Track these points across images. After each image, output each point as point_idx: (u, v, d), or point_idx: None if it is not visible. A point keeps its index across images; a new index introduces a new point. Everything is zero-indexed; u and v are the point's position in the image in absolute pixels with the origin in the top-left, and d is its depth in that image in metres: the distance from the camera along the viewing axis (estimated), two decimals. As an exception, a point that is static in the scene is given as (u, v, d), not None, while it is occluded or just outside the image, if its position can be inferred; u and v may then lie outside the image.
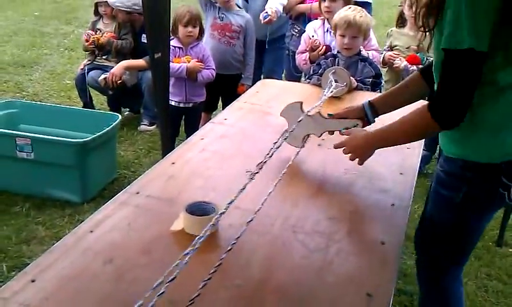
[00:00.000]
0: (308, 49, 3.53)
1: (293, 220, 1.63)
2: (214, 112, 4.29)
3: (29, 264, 2.69)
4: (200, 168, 1.96)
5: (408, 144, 2.19)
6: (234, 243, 1.35)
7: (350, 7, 3.25)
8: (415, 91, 1.89)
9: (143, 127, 4.55)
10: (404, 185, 1.87)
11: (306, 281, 1.37)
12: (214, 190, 1.79)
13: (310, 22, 3.77)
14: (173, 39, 3.51)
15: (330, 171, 1.97)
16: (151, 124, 4.60)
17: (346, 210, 1.71)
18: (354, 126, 1.88)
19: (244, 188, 1.51)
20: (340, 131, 1.91)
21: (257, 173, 1.59)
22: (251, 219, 1.47)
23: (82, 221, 3.12)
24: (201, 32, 3.73)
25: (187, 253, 1.20)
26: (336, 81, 2.73)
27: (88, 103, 4.71)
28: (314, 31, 3.61)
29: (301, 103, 1.99)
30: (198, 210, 1.56)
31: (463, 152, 1.59)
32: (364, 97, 2.78)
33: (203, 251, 1.36)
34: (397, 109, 1.91)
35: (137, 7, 4.42)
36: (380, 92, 3.12)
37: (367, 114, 1.91)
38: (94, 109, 4.73)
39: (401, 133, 1.68)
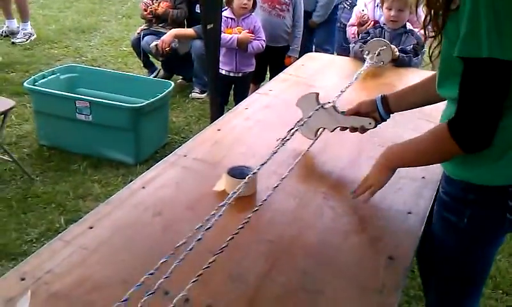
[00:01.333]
0: (357, 23, 3.59)
1: (325, 188, 1.75)
2: (262, 83, 4.42)
3: (85, 218, 2.94)
4: (243, 135, 2.10)
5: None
6: (261, 204, 1.50)
7: None
8: (433, 92, 1.62)
9: (194, 94, 4.73)
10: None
11: (332, 242, 1.49)
12: (253, 157, 1.92)
13: None
14: (226, 9, 3.63)
15: (365, 145, 2.07)
16: (202, 92, 4.78)
17: (377, 180, 1.81)
18: (369, 125, 1.79)
19: (275, 152, 1.68)
20: (350, 129, 1.85)
21: (288, 139, 1.75)
22: (277, 184, 1.65)
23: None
24: (254, 4, 3.83)
25: (222, 205, 1.35)
26: (378, 55, 2.82)
27: (146, 61, 4.96)
28: (365, 5, 3.66)
29: (317, 94, 1.93)
30: (239, 173, 1.70)
31: (466, 174, 1.41)
32: (404, 72, 2.89)
33: (240, 210, 1.52)
34: (412, 108, 1.80)
35: None
36: (420, 59, 3.21)
37: (378, 110, 1.77)
38: (154, 67, 4.95)
39: (418, 155, 1.51)
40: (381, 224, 1.59)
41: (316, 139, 1.96)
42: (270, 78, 4.44)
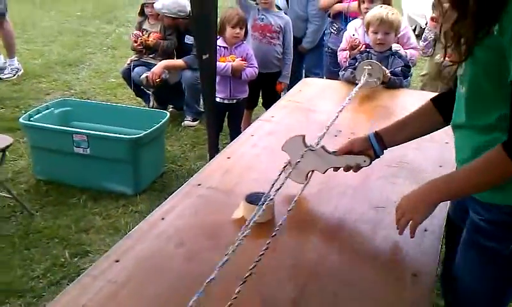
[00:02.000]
0: (348, 47, 3.67)
1: (341, 210, 1.80)
2: (255, 109, 4.50)
3: (89, 251, 2.96)
4: (253, 162, 2.14)
5: (445, 137, 2.36)
6: (277, 229, 1.52)
7: (381, 6, 3.44)
8: (427, 122, 1.70)
9: (186, 123, 4.77)
10: (443, 177, 2.00)
11: (355, 263, 1.53)
12: (266, 182, 1.94)
13: (351, 21, 3.91)
14: (218, 39, 3.69)
15: (373, 165, 2.12)
16: (194, 120, 4.83)
17: (391, 200, 1.85)
18: (363, 163, 1.72)
19: (287, 177, 1.75)
20: (344, 168, 1.75)
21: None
22: (290, 208, 1.65)
23: (136, 212, 3.40)
24: (246, 33, 3.90)
25: (243, 232, 1.39)
26: (369, 74, 2.89)
27: (138, 91, 5.01)
28: (355, 29, 3.75)
29: (303, 136, 1.81)
30: (256, 199, 1.72)
31: (509, 198, 1.37)
32: (396, 93, 2.96)
33: (260, 236, 1.53)
34: (407, 140, 1.75)
35: (182, 14, 4.66)
36: (409, 81, 3.32)
37: (373, 146, 1.71)
38: (146, 95, 5.00)
39: (468, 182, 1.40)
40: (400, 244, 1.63)
41: (307, 183, 1.84)
42: (263, 104, 4.52)
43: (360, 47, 3.59)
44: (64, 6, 9.83)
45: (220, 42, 3.74)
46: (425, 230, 1.68)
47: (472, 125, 1.41)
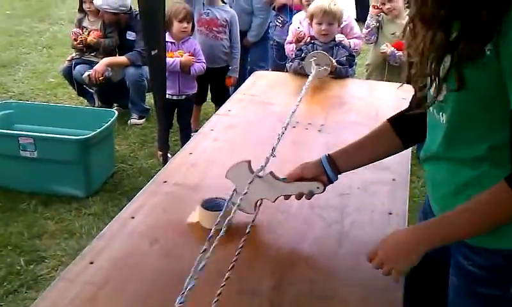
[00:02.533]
0: (294, 40, 3.74)
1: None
2: (203, 104, 4.50)
3: (45, 257, 2.89)
4: (216, 156, 2.15)
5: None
6: (248, 231, 1.53)
7: None
8: (384, 145, 1.56)
9: (133, 121, 4.71)
10: (400, 163, 2.09)
11: (328, 250, 1.58)
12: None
13: (296, 14, 3.97)
14: (165, 34, 3.65)
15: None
16: (140, 117, 4.77)
17: (353, 186, 1.92)
18: (316, 189, 1.56)
19: (251, 182, 1.61)
20: (295, 196, 1.59)
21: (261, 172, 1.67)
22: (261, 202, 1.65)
23: (90, 214, 3.34)
24: (193, 27, 3.89)
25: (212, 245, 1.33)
26: (318, 64, 2.95)
27: (81, 90, 4.89)
28: (300, 22, 3.82)
29: (249, 162, 1.61)
30: (214, 205, 1.69)
31: (508, 241, 1.22)
32: (345, 83, 3.03)
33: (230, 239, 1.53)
34: (363, 164, 1.61)
35: (123, 8, 4.58)
36: (354, 69, 3.40)
37: (326, 172, 1.54)
38: (89, 93, 4.89)
39: (470, 227, 1.22)
40: (367, 227, 1.69)
41: (257, 213, 1.65)
42: (212, 99, 4.52)
43: (305, 39, 3.66)
44: (-8, 5, 9.43)
45: (167, 37, 3.71)
46: (390, 213, 1.75)
47: (453, 157, 1.26)
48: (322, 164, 1.55)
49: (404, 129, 1.51)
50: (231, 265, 1.36)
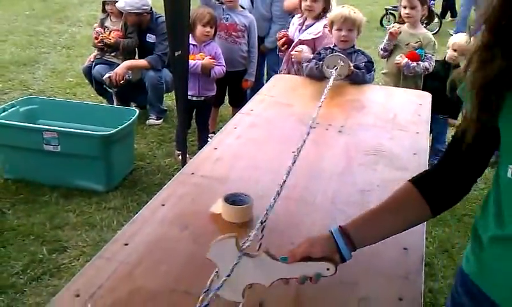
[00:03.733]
0: (276, 38, 3.92)
1: (330, 193, 1.92)
2: (221, 106, 4.59)
3: (67, 247, 2.98)
4: (241, 152, 2.24)
5: (416, 128, 2.54)
6: (266, 214, 1.60)
7: (343, 6, 3.61)
8: (409, 212, 1.26)
9: (151, 121, 4.80)
10: (419, 163, 2.17)
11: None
12: (256, 169, 2.08)
13: (297, 15, 4.02)
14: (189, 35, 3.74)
15: (353, 153, 2.26)
16: (158, 118, 4.86)
17: (373, 184, 1.99)
18: (326, 271, 1.23)
19: (285, 181, 1.64)
20: (297, 280, 1.25)
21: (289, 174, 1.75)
22: (278, 192, 1.59)
23: (110, 208, 3.41)
24: (215, 32, 3.98)
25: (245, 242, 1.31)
26: (335, 66, 3.02)
27: (99, 89, 4.97)
28: (293, 23, 3.92)
29: (236, 238, 1.26)
30: (238, 200, 1.76)
31: None
32: (363, 88, 3.10)
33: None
34: (383, 238, 1.29)
35: (145, 7, 4.68)
36: (373, 76, 3.39)
37: (339, 248, 1.23)
38: (108, 93, 4.95)
39: None
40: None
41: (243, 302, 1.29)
42: (229, 102, 4.61)
43: (283, 41, 3.76)
44: (11, 5, 9.57)
45: (190, 40, 3.80)
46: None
47: None
48: (334, 238, 1.24)
49: (433, 192, 1.24)
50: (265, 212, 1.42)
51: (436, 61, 4.36)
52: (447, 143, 4.42)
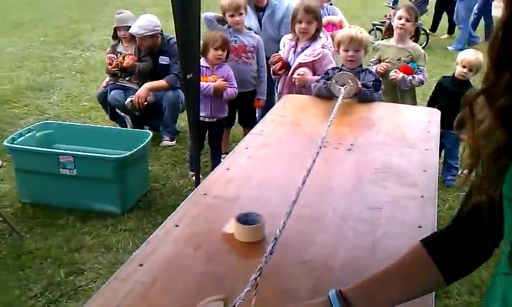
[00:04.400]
0: (269, 62, 3.91)
1: (341, 211, 1.95)
2: (232, 127, 4.64)
3: (84, 269, 3.03)
4: (252, 172, 2.28)
5: (425, 145, 2.56)
6: (281, 230, 1.63)
7: (350, 27, 3.67)
8: (419, 278, 1.13)
9: (165, 142, 4.87)
10: (428, 180, 2.19)
11: (362, 256, 1.68)
12: (268, 188, 2.12)
13: (285, 35, 4.07)
14: (200, 59, 3.82)
15: (363, 171, 2.29)
16: (172, 139, 4.93)
17: (383, 201, 2.02)
18: None
19: (296, 200, 1.74)
20: None
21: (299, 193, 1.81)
22: (290, 210, 1.67)
23: (126, 230, 3.46)
24: (228, 54, 4.05)
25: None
26: (343, 85, 3.06)
27: (113, 114, 5.06)
28: (283, 45, 3.96)
29: (225, 301, 1.27)
30: (250, 219, 1.79)
31: None
32: (372, 106, 3.13)
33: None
34: (389, 306, 1.13)
35: (158, 28, 4.81)
36: (380, 94, 3.40)
37: None
38: (120, 118, 5.04)
39: None
40: (399, 237, 1.79)
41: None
42: (239, 122, 4.66)
43: (277, 64, 3.80)
44: (26, 32, 9.78)
45: (202, 62, 3.87)
46: (420, 227, 1.85)
47: None
48: (330, 303, 1.12)
49: (447, 259, 1.10)
50: (259, 266, 1.43)
51: (445, 77, 4.40)
52: (459, 158, 4.45)
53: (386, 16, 10.22)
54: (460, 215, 1.12)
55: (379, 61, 4.15)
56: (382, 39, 4.49)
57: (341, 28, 4.44)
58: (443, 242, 1.13)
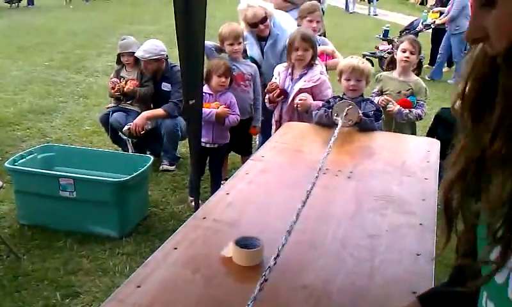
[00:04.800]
0: (266, 91, 3.94)
1: (340, 237, 1.95)
2: (231, 154, 4.65)
3: (80, 292, 3.01)
4: (252, 197, 2.28)
5: (424, 174, 2.57)
6: (278, 255, 1.65)
7: (352, 57, 3.71)
8: None
9: (165, 167, 4.89)
10: (427, 208, 2.19)
11: (360, 283, 1.68)
12: (267, 214, 2.12)
13: (277, 66, 4.10)
14: (203, 85, 3.85)
15: (362, 199, 2.29)
16: (171, 164, 4.95)
17: (382, 228, 2.02)
18: None
19: (295, 223, 1.77)
20: None
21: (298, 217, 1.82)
22: (286, 238, 1.69)
23: (123, 254, 3.44)
24: (231, 82, 4.08)
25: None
26: (346, 114, 3.08)
27: (115, 137, 5.09)
28: (278, 73, 3.98)
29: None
30: (248, 244, 1.78)
31: None
32: (372, 134, 3.15)
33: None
34: None
35: (163, 53, 4.88)
36: (381, 124, 3.40)
37: None
38: (123, 141, 5.06)
39: None
40: (398, 265, 1.79)
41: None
42: (234, 150, 4.62)
43: (275, 91, 3.83)
44: (32, 56, 9.90)
45: (205, 89, 3.90)
46: (418, 254, 1.84)
47: None
48: None
49: None
50: (257, 288, 1.44)
51: (444, 108, 4.42)
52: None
53: (377, 47, 10.44)
54: (455, 271, 1.12)
55: (381, 92, 4.17)
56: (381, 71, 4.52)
57: (333, 58, 4.48)
58: (439, 299, 1.15)
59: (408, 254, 1.85)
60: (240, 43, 4.25)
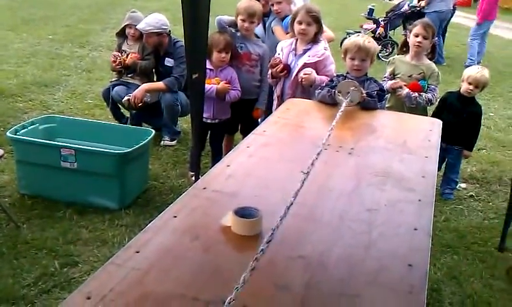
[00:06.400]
0: (269, 65, 3.90)
1: (338, 211, 1.95)
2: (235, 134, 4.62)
3: (78, 261, 3.03)
4: (252, 170, 2.28)
5: (425, 152, 2.57)
6: (277, 227, 1.65)
7: (358, 35, 3.67)
8: None
9: (166, 142, 4.89)
10: (427, 185, 2.20)
11: (356, 255, 1.68)
12: (266, 188, 2.12)
13: (280, 42, 4.03)
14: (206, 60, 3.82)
15: (362, 174, 2.29)
16: (172, 139, 4.95)
17: (381, 203, 2.03)
18: None
19: (295, 197, 1.79)
20: None
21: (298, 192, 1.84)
22: (291, 203, 1.74)
23: (122, 225, 3.46)
24: (232, 56, 4.05)
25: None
26: (349, 93, 3.07)
27: (116, 112, 5.12)
28: (281, 49, 3.91)
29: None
30: (247, 214, 1.79)
31: None
32: (375, 113, 3.14)
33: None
34: None
35: (165, 27, 4.85)
36: (384, 104, 3.42)
37: None
38: (124, 117, 5.09)
39: None
40: (394, 239, 1.79)
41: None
42: (241, 130, 4.57)
43: (278, 66, 3.79)
44: (35, 30, 9.83)
45: (207, 64, 3.87)
46: (415, 229, 1.85)
47: None
48: None
49: None
50: (255, 257, 1.43)
51: (450, 93, 4.38)
52: (459, 174, 4.45)
53: (361, 25, 10.45)
54: None
55: (393, 75, 4.13)
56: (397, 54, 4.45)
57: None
58: None
59: (405, 228, 1.85)
60: (253, 23, 4.14)
